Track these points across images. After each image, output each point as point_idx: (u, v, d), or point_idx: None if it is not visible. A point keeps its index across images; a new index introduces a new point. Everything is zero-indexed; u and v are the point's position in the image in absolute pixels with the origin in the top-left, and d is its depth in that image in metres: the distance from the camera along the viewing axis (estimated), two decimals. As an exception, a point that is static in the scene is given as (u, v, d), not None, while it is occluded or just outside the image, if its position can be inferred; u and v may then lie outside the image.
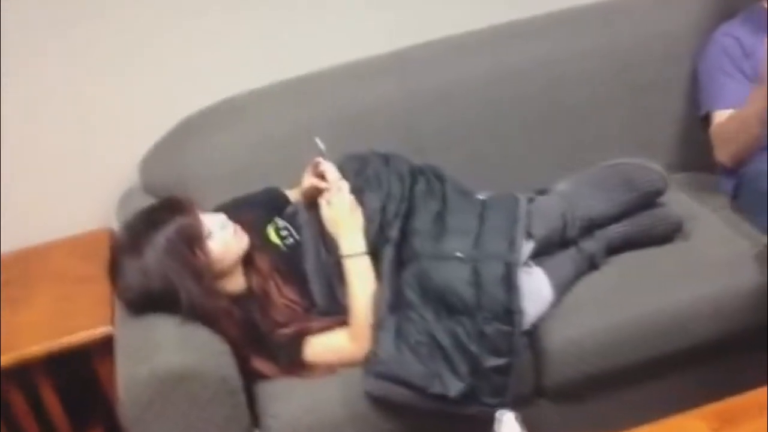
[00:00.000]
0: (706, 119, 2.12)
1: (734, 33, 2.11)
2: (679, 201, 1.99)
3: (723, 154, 2.06)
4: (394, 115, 2.13)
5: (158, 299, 1.66)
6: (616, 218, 1.89)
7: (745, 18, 2.13)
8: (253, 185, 1.99)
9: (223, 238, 1.71)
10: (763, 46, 2.00)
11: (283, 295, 1.76)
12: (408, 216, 1.80)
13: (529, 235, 1.78)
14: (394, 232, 1.77)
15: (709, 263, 1.88)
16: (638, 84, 2.23)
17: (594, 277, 1.88)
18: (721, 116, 2.07)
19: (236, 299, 1.75)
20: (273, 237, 1.84)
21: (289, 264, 1.80)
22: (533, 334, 1.77)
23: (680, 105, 2.25)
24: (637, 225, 1.91)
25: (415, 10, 2.27)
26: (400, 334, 1.67)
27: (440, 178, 1.90)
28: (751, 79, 2.04)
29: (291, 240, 1.83)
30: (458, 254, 1.73)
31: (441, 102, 2.15)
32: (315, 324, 1.74)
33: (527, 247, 1.77)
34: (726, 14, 2.18)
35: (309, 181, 1.83)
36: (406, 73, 2.17)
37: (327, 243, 1.78)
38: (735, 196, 2.08)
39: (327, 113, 2.11)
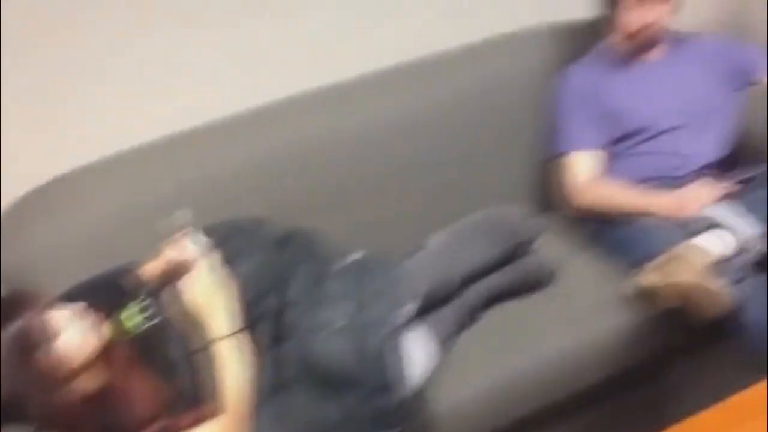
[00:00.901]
0: (556, 159, 2.16)
1: (586, 72, 2.16)
2: (546, 244, 1.98)
3: (581, 204, 2.10)
4: (257, 178, 2.00)
5: (5, 409, 1.44)
6: (494, 268, 1.85)
7: (595, 56, 2.19)
8: (109, 262, 1.75)
9: (76, 334, 1.51)
10: (616, 83, 2.06)
11: (146, 387, 1.58)
12: (281, 286, 1.68)
13: (412, 296, 1.71)
14: (268, 305, 1.65)
15: (584, 307, 1.88)
16: (488, 133, 2.22)
17: (476, 330, 1.83)
18: (577, 159, 2.11)
19: (94, 398, 1.54)
20: (132, 321, 1.65)
21: (152, 350, 1.62)
22: (421, 397, 1.69)
23: (530, 148, 2.27)
24: (514, 273, 1.88)
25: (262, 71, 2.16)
26: (281, 418, 1.55)
27: (311, 242, 1.80)
28: (602, 117, 2.09)
29: (153, 322, 1.65)
30: (340, 323, 1.63)
31: (302, 162, 2.05)
32: (183, 420, 1.56)
33: (411, 308, 1.70)
34: (571, 56, 2.22)
35: (167, 258, 1.67)
36: (266, 132, 2.05)
37: (192, 327, 1.62)
38: (594, 239, 2.10)
39: (186, 180, 1.95)
